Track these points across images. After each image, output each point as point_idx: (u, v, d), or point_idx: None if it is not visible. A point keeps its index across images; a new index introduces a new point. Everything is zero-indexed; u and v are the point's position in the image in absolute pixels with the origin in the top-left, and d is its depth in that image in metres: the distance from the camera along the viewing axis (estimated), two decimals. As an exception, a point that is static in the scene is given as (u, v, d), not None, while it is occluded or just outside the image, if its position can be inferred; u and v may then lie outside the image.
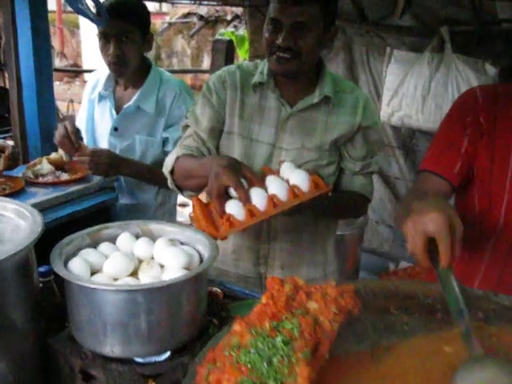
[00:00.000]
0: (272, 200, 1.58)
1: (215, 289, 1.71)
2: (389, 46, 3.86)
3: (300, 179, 1.65)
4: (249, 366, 0.80)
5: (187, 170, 1.85)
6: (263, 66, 1.96)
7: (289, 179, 1.68)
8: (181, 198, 3.70)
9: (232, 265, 2.11)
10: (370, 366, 1.03)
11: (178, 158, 1.90)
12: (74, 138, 2.32)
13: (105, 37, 2.39)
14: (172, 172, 1.92)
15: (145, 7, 2.53)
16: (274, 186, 1.65)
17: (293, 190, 1.62)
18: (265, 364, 0.80)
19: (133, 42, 2.40)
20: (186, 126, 2.04)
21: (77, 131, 2.37)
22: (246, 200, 1.56)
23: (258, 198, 1.58)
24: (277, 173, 1.75)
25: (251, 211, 1.55)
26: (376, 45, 4.03)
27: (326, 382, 0.96)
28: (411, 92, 3.64)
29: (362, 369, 1.03)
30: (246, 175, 1.62)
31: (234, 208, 1.57)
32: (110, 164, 2.29)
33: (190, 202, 1.73)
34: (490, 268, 1.73)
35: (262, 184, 1.64)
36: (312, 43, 1.81)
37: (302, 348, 0.85)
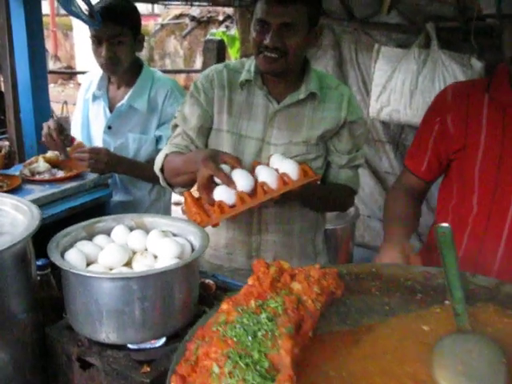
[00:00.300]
0: (262, 187, 1.64)
1: (208, 281, 1.76)
2: (377, 43, 3.90)
3: (289, 168, 1.71)
4: (235, 339, 0.86)
5: (176, 167, 1.91)
6: (250, 63, 2.01)
7: (278, 168, 1.74)
8: (175, 197, 3.75)
9: (225, 259, 2.16)
10: (352, 347, 1.08)
11: (167, 156, 1.96)
12: (55, 135, 2.39)
13: (97, 40, 2.45)
14: (162, 170, 1.98)
15: (135, 9, 2.60)
16: (263, 174, 1.71)
17: (282, 178, 1.67)
18: (249, 338, 0.86)
19: (124, 43, 2.47)
20: (175, 126, 2.10)
21: (60, 127, 2.42)
22: (228, 182, 1.62)
23: (241, 177, 1.65)
24: (267, 166, 1.81)
25: (242, 198, 1.61)
26: (364, 42, 4.08)
27: (311, 361, 1.02)
28: (399, 87, 3.70)
29: (345, 350, 1.08)
30: (225, 160, 1.69)
31: (222, 194, 1.63)
32: (107, 162, 2.36)
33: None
34: (468, 252, 1.80)
35: (243, 166, 1.71)
36: (298, 43, 1.86)
37: (285, 323, 0.91)
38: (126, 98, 2.57)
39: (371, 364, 1.01)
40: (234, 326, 0.88)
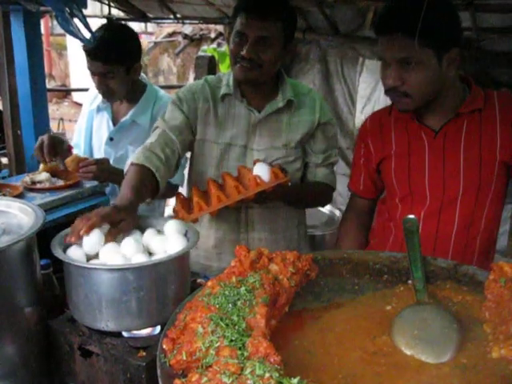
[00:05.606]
0: (237, 188, 1.80)
1: (200, 280, 1.90)
2: (361, 57, 4.06)
3: (262, 171, 1.86)
4: (217, 306, 1.00)
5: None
6: (228, 78, 2.16)
7: (252, 171, 1.89)
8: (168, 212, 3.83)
9: (215, 259, 2.30)
10: (315, 321, 1.23)
11: (131, 164, 1.89)
12: (46, 150, 2.45)
13: (92, 72, 2.58)
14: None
15: (131, 41, 2.64)
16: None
17: (255, 180, 1.83)
18: (230, 305, 1.00)
19: (116, 77, 2.57)
20: (156, 128, 2.15)
21: (53, 140, 2.49)
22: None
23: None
24: (251, 171, 1.95)
25: (218, 197, 1.78)
26: (349, 56, 4.23)
27: (283, 331, 1.17)
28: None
29: (310, 323, 1.22)
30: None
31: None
32: (111, 173, 2.49)
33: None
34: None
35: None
36: (273, 56, 2.02)
37: (261, 294, 1.05)
38: (130, 113, 2.71)
39: (330, 335, 1.16)
40: (217, 297, 1.02)
